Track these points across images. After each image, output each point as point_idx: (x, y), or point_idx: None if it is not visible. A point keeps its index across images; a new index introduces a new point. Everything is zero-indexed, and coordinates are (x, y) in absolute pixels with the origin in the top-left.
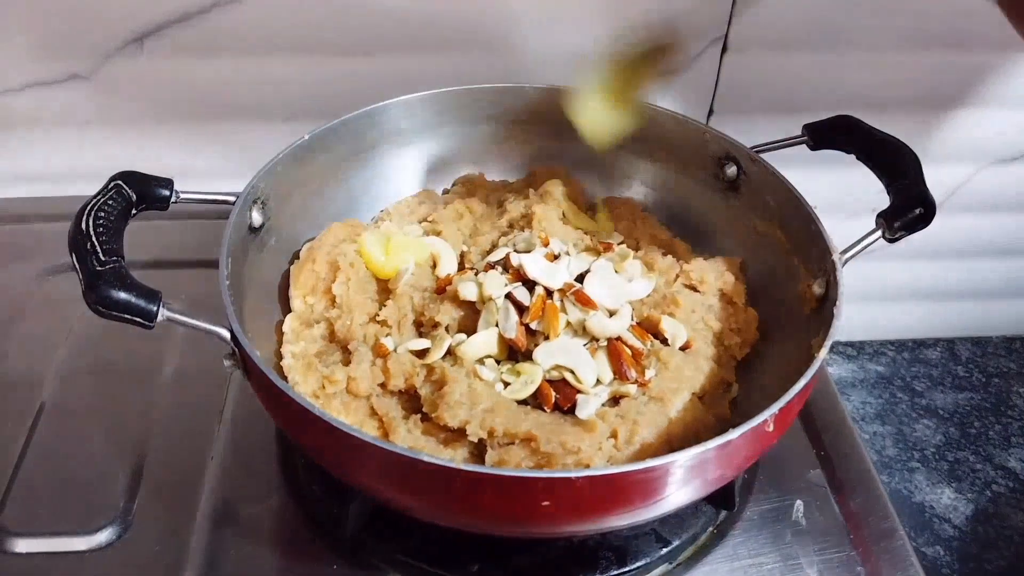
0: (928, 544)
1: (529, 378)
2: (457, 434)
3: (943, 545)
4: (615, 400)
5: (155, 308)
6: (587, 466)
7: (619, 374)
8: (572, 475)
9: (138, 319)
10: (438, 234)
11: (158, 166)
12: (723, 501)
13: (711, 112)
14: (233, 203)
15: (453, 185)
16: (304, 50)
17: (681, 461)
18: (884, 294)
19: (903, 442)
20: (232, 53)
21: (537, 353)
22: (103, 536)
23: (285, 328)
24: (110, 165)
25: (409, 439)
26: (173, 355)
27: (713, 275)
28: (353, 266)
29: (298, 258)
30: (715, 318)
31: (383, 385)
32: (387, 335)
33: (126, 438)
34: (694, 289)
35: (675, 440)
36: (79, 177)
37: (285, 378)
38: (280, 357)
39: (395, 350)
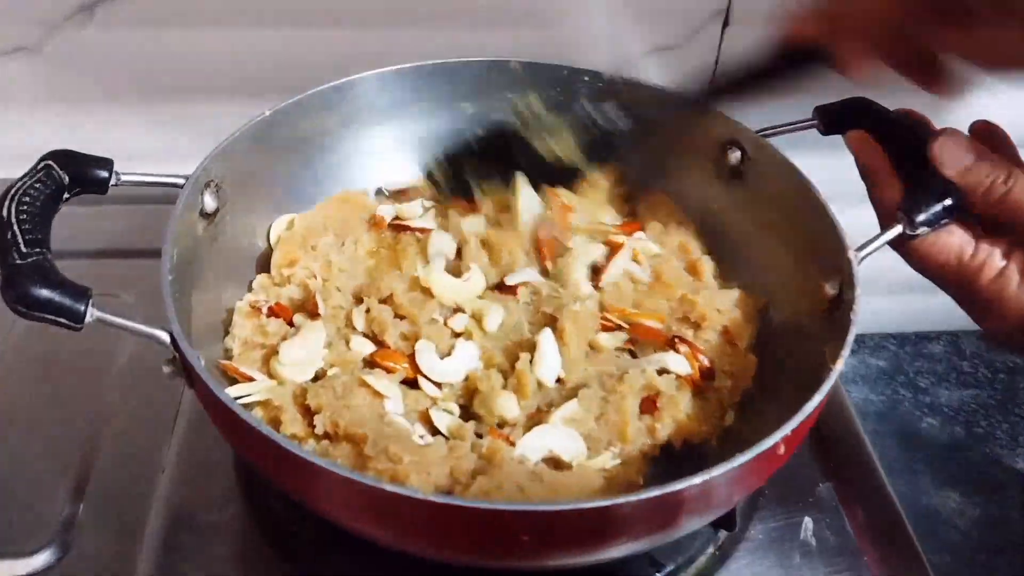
0: (934, 551)
1: None
2: None
3: (949, 551)
4: None
5: (83, 308)
6: None
7: None
8: (553, 508)
9: (63, 320)
10: None
11: (112, 146)
12: (724, 521)
13: None
14: (182, 187)
15: None
16: (268, 20)
17: (679, 491)
18: (885, 285)
19: (907, 442)
20: (190, 23)
21: None
22: (42, 558)
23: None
24: (59, 145)
25: None
26: (122, 354)
27: (722, 308)
28: None
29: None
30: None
31: None
32: None
33: (70, 448)
34: (696, 325)
35: None
36: (25, 159)
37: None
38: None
39: None
